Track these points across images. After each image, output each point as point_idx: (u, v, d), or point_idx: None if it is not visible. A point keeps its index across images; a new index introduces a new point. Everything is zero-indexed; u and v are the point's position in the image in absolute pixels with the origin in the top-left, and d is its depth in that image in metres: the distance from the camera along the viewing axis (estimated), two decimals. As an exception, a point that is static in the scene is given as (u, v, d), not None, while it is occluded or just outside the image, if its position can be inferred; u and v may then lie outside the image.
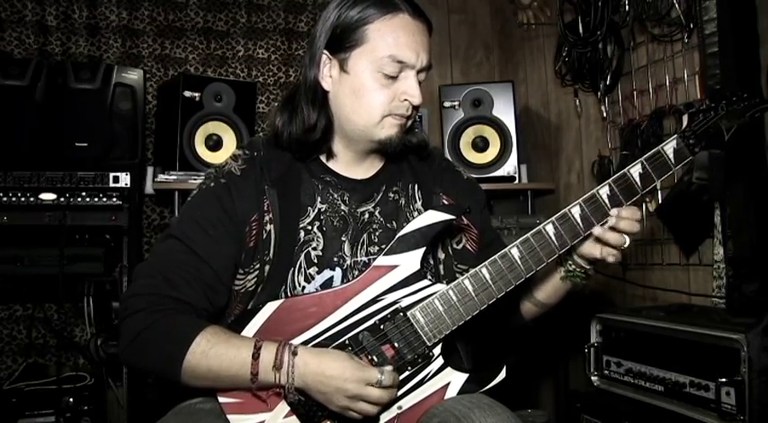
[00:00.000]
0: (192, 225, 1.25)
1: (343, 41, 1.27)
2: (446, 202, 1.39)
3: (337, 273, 1.29)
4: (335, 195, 1.34)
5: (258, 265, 1.25)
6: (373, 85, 1.26)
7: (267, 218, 1.26)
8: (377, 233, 1.34)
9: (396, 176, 1.41)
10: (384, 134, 1.29)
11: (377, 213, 1.35)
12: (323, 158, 1.36)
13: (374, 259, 1.27)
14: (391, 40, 1.25)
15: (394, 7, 1.26)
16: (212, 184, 1.29)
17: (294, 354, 1.13)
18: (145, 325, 1.15)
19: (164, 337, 1.15)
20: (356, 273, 1.29)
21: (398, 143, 1.31)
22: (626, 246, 1.28)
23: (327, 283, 1.27)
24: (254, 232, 1.26)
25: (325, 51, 1.29)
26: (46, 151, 2.36)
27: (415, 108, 1.31)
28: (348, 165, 1.36)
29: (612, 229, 1.27)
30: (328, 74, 1.30)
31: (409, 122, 1.33)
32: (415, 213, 1.37)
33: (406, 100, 1.27)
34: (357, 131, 1.30)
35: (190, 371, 1.14)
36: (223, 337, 1.15)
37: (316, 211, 1.31)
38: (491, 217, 2.51)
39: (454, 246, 1.39)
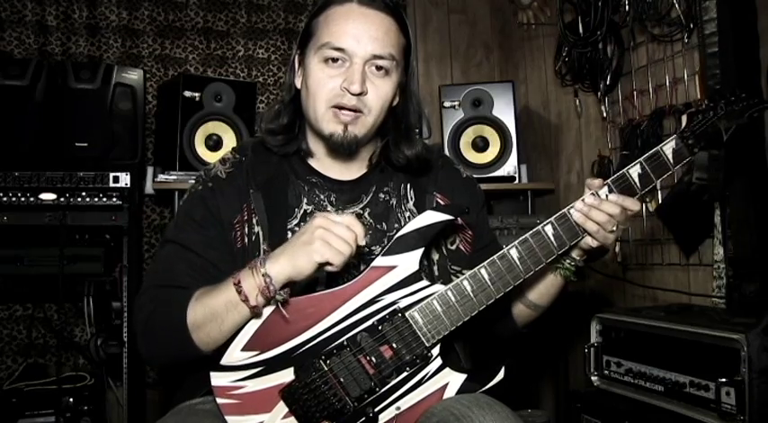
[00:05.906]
0: (184, 227, 1.30)
1: (304, 39, 1.32)
2: (440, 202, 1.39)
3: (322, 273, 1.25)
4: (322, 196, 1.34)
5: None
6: (319, 75, 1.27)
7: (254, 220, 1.28)
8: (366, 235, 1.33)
9: (387, 176, 1.39)
10: (328, 129, 1.28)
11: (366, 214, 1.35)
12: (309, 161, 1.37)
13: (369, 261, 1.27)
14: (333, 28, 1.26)
15: None
16: (200, 187, 1.33)
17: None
18: (147, 315, 1.22)
19: (163, 313, 1.20)
20: (344, 274, 1.27)
21: (343, 142, 1.28)
22: (614, 229, 1.24)
23: (312, 284, 1.24)
24: (239, 234, 1.28)
25: (298, 51, 1.34)
26: (46, 151, 2.36)
27: (357, 97, 1.25)
28: (331, 164, 1.37)
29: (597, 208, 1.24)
30: (299, 72, 1.34)
31: (363, 121, 1.28)
32: (407, 213, 1.37)
33: (345, 89, 1.25)
34: (313, 127, 1.33)
35: (193, 321, 1.16)
36: (209, 287, 1.19)
37: (302, 212, 1.32)
38: (491, 217, 2.52)
39: (448, 246, 1.38)
